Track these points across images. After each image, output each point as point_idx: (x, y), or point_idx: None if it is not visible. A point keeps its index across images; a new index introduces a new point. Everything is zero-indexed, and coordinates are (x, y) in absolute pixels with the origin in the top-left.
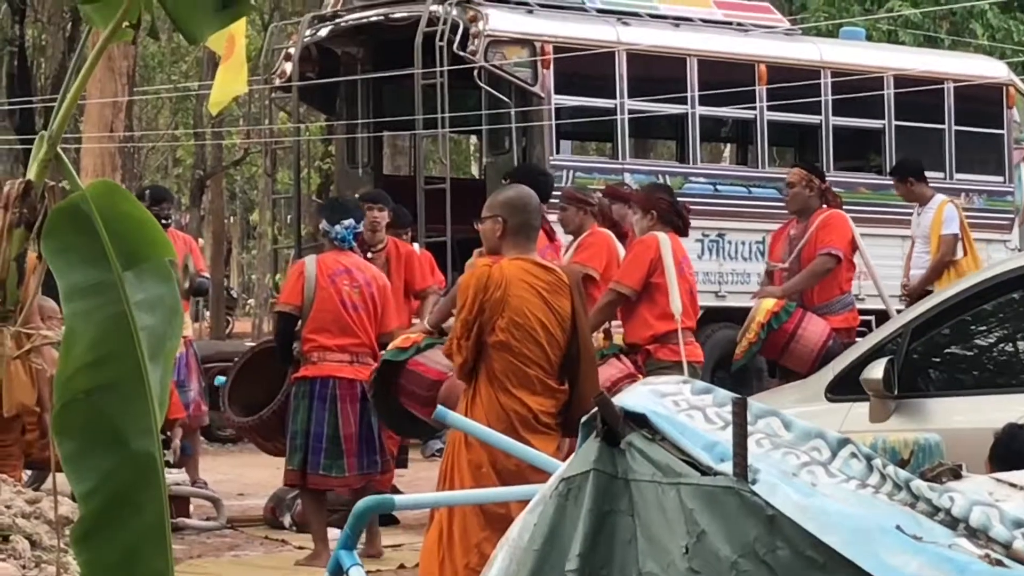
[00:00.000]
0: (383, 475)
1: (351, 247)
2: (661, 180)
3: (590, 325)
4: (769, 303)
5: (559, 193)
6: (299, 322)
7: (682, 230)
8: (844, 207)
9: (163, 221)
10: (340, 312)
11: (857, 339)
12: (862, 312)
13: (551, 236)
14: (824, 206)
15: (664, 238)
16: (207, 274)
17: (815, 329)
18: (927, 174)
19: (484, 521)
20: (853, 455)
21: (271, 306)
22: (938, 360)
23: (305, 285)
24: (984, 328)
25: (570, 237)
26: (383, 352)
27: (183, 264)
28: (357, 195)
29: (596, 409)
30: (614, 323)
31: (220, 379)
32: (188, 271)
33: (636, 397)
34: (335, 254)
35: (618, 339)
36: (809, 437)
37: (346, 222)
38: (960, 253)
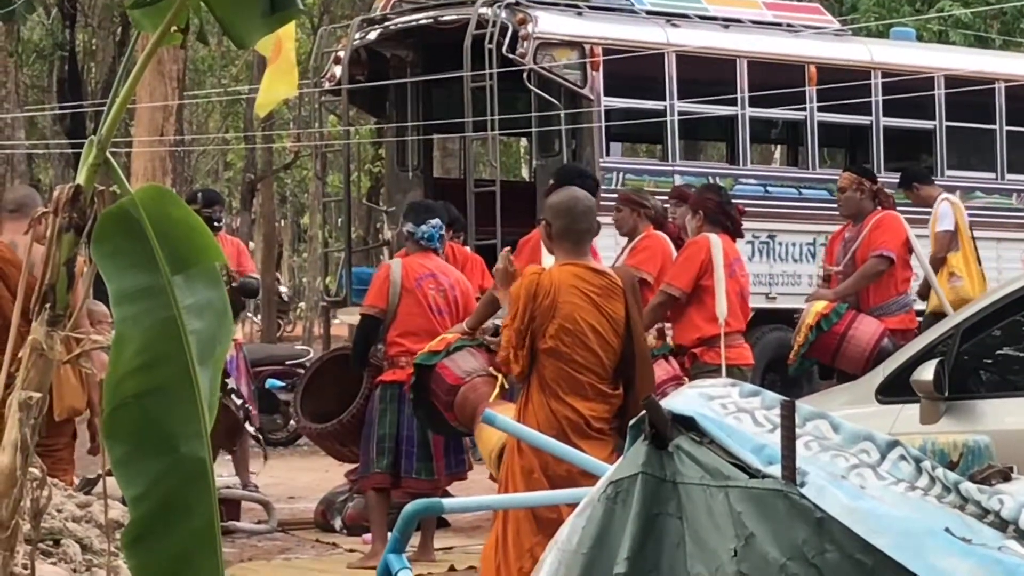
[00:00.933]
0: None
1: (435, 248)
2: (711, 182)
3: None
4: (819, 305)
5: (614, 196)
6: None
7: (732, 230)
8: (895, 208)
9: (214, 224)
10: (428, 316)
11: None
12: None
13: None
14: (878, 208)
15: (716, 240)
16: (257, 275)
17: (867, 329)
18: (977, 175)
19: (536, 526)
20: (902, 457)
21: (322, 309)
22: (989, 361)
23: (391, 289)
24: None
25: (624, 240)
26: (416, 355)
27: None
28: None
29: (644, 412)
30: (666, 324)
31: (271, 382)
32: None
33: (684, 400)
34: (419, 257)
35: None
36: (858, 439)
37: (433, 221)
38: (955, 249)
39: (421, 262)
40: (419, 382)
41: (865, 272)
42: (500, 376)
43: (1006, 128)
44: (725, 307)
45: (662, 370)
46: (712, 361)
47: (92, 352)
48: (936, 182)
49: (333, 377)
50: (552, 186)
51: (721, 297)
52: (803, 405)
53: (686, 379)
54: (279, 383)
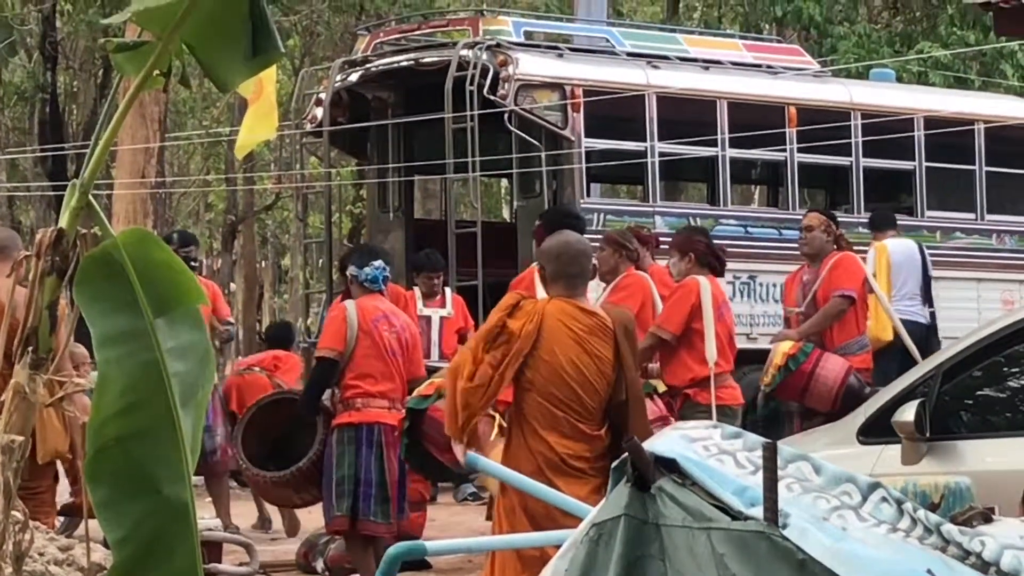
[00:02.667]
0: (413, 517)
1: (380, 290)
2: (692, 223)
3: None
4: (786, 346)
5: (596, 236)
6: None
7: (719, 270)
8: (852, 250)
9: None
10: (383, 357)
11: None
12: None
13: None
14: (835, 250)
15: (705, 283)
16: (231, 319)
17: (832, 367)
18: (956, 215)
19: (521, 565)
20: (884, 499)
21: (303, 351)
22: (970, 402)
23: (348, 331)
24: (1016, 370)
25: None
26: (407, 399)
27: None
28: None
29: (626, 454)
30: (650, 364)
31: None
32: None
33: (666, 442)
34: (370, 299)
35: (653, 381)
36: (840, 481)
37: (376, 263)
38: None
39: (374, 304)
40: (411, 427)
41: (828, 312)
42: (497, 415)
43: (986, 169)
44: (715, 350)
45: (647, 409)
46: (705, 401)
47: (74, 395)
48: (915, 223)
49: (262, 424)
50: (538, 227)
51: (711, 340)
52: (785, 447)
53: (672, 419)
54: None
